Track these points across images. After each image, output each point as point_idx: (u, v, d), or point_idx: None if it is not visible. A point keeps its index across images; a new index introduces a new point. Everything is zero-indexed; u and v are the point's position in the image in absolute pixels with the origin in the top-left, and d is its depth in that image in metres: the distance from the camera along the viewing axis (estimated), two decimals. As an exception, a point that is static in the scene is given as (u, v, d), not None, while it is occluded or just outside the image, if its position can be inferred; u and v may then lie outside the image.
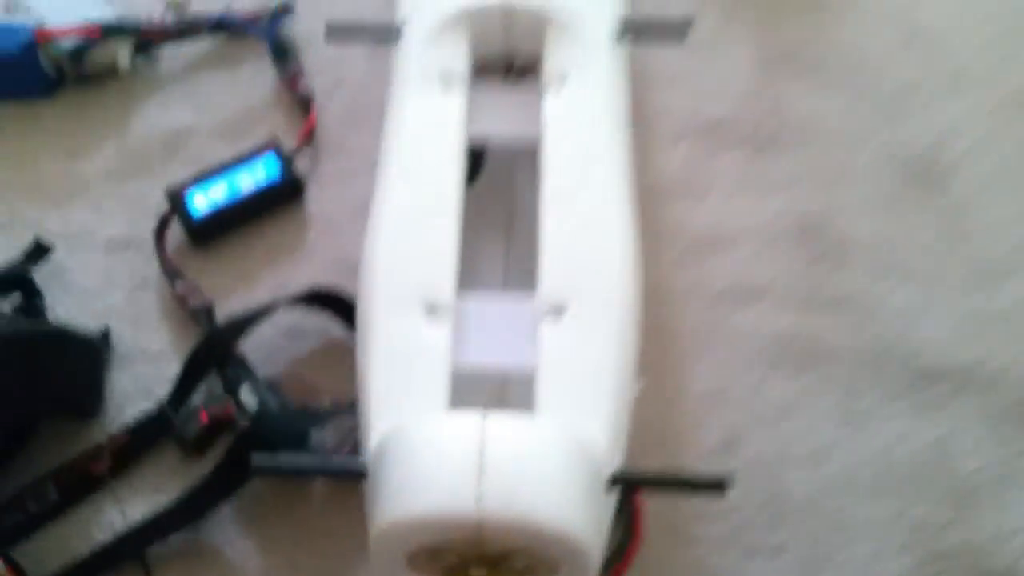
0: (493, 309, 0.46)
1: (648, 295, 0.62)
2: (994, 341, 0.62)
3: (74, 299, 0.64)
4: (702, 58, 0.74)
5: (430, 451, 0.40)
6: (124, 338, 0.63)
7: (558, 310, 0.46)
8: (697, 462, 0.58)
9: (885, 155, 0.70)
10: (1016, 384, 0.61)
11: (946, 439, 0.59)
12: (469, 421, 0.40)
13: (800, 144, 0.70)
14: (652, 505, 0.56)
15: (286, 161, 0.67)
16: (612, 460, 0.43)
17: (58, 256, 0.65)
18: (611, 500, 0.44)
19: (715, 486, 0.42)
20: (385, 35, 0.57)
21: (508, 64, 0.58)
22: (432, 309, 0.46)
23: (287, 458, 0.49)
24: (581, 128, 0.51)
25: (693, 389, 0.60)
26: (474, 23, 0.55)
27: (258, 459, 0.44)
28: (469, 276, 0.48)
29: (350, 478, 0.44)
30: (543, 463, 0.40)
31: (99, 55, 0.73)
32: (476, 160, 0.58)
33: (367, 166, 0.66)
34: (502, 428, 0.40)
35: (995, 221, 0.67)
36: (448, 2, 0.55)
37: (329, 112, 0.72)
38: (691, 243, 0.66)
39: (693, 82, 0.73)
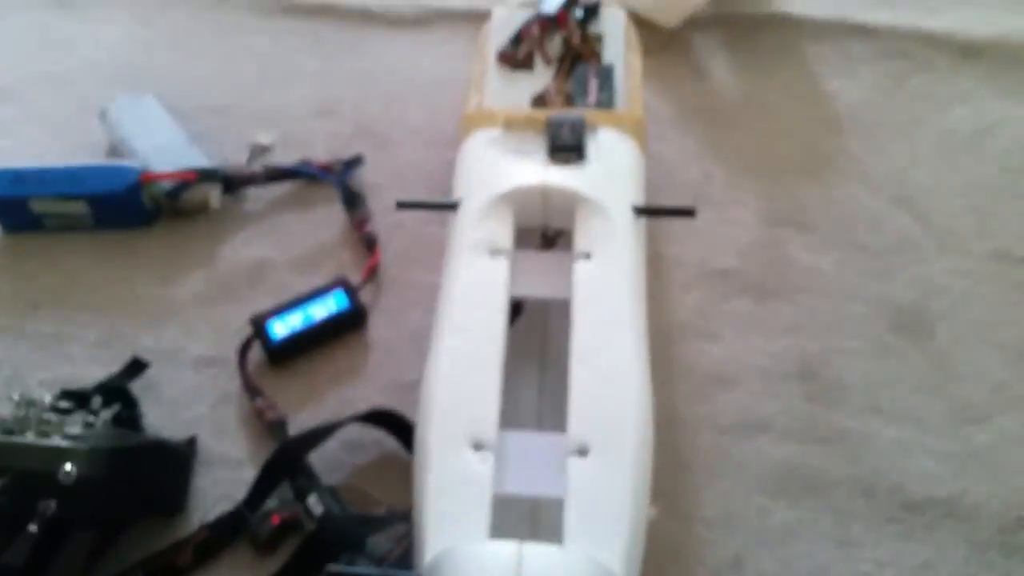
0: (529, 446, 0.55)
1: (663, 425, 0.71)
2: (975, 476, 0.69)
3: (165, 410, 0.74)
4: (712, 215, 0.84)
5: (475, 574, 0.49)
6: (208, 446, 0.72)
7: (583, 450, 0.55)
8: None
9: (877, 305, 0.79)
10: (996, 516, 0.68)
11: (931, 563, 0.66)
12: (508, 549, 0.49)
13: (800, 293, 0.79)
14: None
15: (352, 293, 0.78)
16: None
17: (152, 371, 0.75)
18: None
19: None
20: (445, 207, 0.68)
21: (545, 230, 0.69)
22: (478, 445, 0.55)
23: (358, 569, 0.57)
24: (605, 293, 0.61)
25: (703, 513, 0.68)
26: (517, 200, 0.66)
27: (333, 568, 0.53)
28: (509, 415, 0.57)
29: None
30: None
31: (193, 194, 0.84)
32: (516, 307, 0.68)
33: (422, 299, 0.78)
34: (535, 556, 0.49)
35: (976, 367, 0.75)
36: (497, 183, 0.66)
37: (390, 250, 0.83)
38: (702, 379, 0.75)
39: (704, 236, 0.83)
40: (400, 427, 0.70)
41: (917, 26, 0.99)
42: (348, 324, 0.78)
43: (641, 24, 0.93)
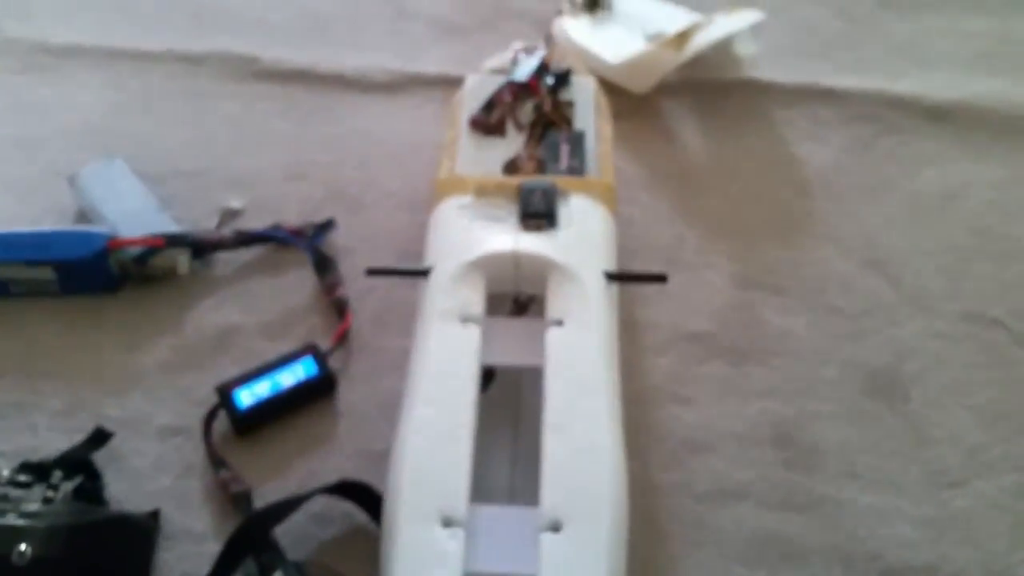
0: (501, 521, 0.54)
1: (638, 493, 0.70)
2: (954, 542, 0.69)
3: (128, 481, 0.72)
4: (684, 278, 0.84)
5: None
6: (171, 519, 0.70)
7: (556, 526, 0.54)
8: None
9: (850, 368, 0.79)
10: (974, 583, 0.67)
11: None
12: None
13: (774, 356, 0.79)
14: None
15: (322, 360, 0.76)
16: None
17: (116, 441, 0.73)
18: None
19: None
20: (416, 274, 0.68)
21: (517, 296, 0.68)
22: (448, 521, 0.54)
23: None
24: (578, 360, 0.60)
25: (679, 583, 0.67)
26: (489, 267, 0.65)
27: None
28: (481, 487, 0.56)
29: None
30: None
31: (161, 260, 0.83)
32: (489, 373, 0.67)
33: (393, 365, 0.77)
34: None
35: (952, 430, 0.75)
36: (468, 250, 0.66)
37: (361, 315, 0.82)
38: (678, 444, 0.74)
39: (677, 299, 0.83)
40: (369, 499, 0.68)
41: (884, 90, 1.01)
42: (317, 391, 0.76)
43: (611, 89, 0.94)
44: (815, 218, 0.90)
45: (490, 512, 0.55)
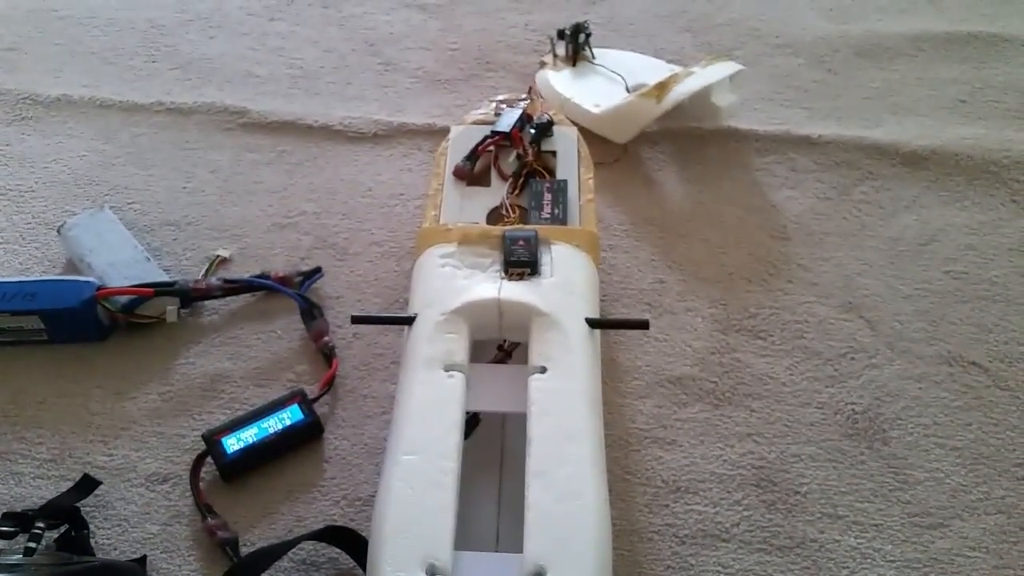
0: (485, 568, 0.55)
1: (622, 536, 0.70)
2: (934, 587, 0.69)
3: (115, 529, 0.72)
4: (667, 322, 0.86)
5: None
6: (159, 566, 0.70)
7: (540, 572, 0.54)
8: None
9: (830, 411, 0.80)
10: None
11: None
12: None
13: (755, 399, 0.80)
14: None
15: (308, 406, 0.77)
16: None
17: (103, 488, 0.74)
18: None
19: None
20: (400, 322, 0.69)
21: (501, 343, 0.70)
22: (432, 569, 0.54)
23: None
24: (561, 407, 0.61)
25: (663, 627, 0.67)
26: (473, 315, 0.67)
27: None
28: (466, 533, 0.57)
29: None
30: None
31: (149, 308, 0.84)
32: (473, 419, 0.68)
33: (380, 410, 0.78)
34: None
35: (932, 472, 0.76)
36: (452, 298, 0.67)
37: (348, 361, 0.83)
38: (661, 487, 0.75)
39: (659, 343, 0.84)
40: (355, 545, 0.69)
41: (860, 137, 1.03)
42: (304, 437, 0.77)
43: (593, 138, 0.96)
44: (794, 263, 0.91)
45: (474, 559, 0.55)
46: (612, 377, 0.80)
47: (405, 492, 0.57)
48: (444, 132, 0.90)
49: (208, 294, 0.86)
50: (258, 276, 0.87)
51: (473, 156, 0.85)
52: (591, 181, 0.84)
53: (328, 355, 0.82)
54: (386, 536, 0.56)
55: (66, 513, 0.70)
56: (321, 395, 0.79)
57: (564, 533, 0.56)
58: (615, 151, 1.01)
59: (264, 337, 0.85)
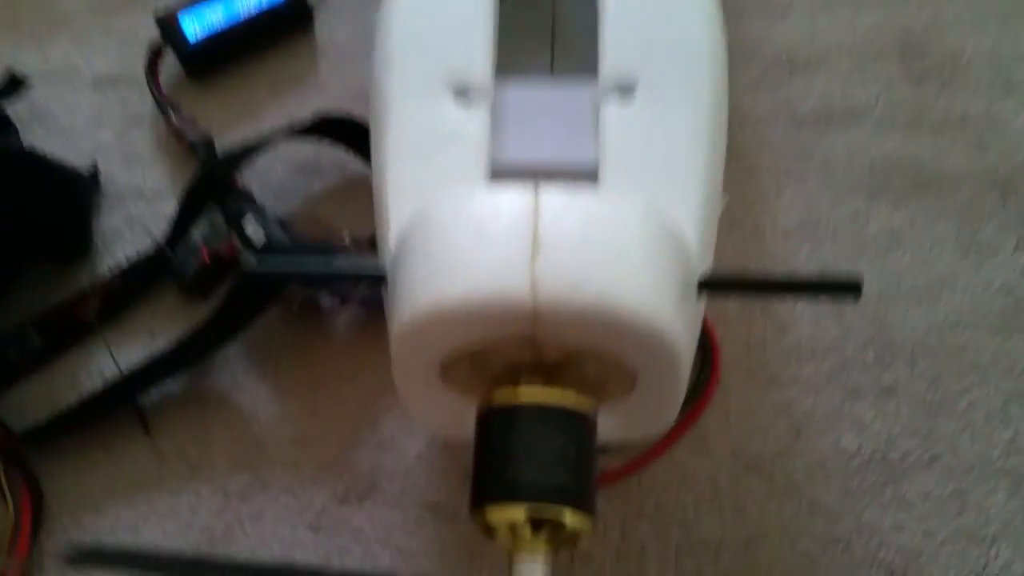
0: (541, 97, 0.36)
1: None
2: None
3: (59, 139, 0.56)
4: None
5: (468, 228, 0.30)
6: (115, 177, 0.55)
7: (626, 90, 0.36)
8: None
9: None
10: None
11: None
12: (517, 193, 0.31)
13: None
14: (730, 341, 0.47)
15: (292, -18, 0.58)
16: (702, 259, 0.33)
17: (38, 94, 0.57)
18: (701, 309, 0.35)
19: (848, 288, 0.32)
20: None
21: None
22: (463, 91, 0.36)
23: (282, 261, 0.40)
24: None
25: (779, 223, 0.51)
26: None
27: (249, 263, 0.35)
28: (508, 59, 0.38)
29: (366, 286, 0.35)
30: (621, 238, 0.30)
31: None
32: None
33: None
34: (563, 198, 0.31)
35: None
36: None
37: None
38: (771, 64, 0.56)
39: None
40: (361, 138, 0.51)
41: None
42: (288, 22, 0.59)
43: None
44: None
45: (521, 87, 0.37)
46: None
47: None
48: None
49: None
50: None
51: None
52: None
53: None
54: (394, 48, 0.37)
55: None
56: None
57: (659, 32, 0.37)
58: None
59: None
